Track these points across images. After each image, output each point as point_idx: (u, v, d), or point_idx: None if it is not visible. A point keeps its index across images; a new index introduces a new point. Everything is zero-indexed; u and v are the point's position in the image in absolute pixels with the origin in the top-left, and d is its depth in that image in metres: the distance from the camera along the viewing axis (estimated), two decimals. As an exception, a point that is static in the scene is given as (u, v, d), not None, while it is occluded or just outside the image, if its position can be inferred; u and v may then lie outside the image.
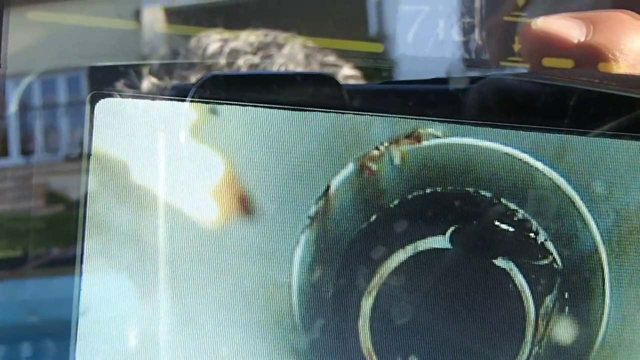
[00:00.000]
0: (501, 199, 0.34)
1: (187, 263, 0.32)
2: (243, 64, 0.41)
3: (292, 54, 0.42)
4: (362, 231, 0.34)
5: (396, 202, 0.34)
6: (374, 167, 0.34)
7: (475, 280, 0.34)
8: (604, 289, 0.35)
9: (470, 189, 0.34)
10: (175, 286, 0.32)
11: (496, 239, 0.34)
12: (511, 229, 0.34)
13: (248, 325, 0.32)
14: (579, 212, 0.35)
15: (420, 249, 0.34)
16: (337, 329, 0.33)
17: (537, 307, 0.34)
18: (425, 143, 0.34)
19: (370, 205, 0.34)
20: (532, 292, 0.34)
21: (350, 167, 0.34)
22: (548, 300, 0.35)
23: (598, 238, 0.35)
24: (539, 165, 0.35)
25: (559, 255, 0.35)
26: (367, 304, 0.34)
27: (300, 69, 0.43)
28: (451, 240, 0.34)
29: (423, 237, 0.34)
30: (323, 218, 0.33)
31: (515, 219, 0.34)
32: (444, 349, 0.34)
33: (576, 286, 0.35)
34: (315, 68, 0.42)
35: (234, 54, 0.40)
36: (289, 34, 0.41)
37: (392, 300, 0.34)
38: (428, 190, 0.34)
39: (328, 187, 0.33)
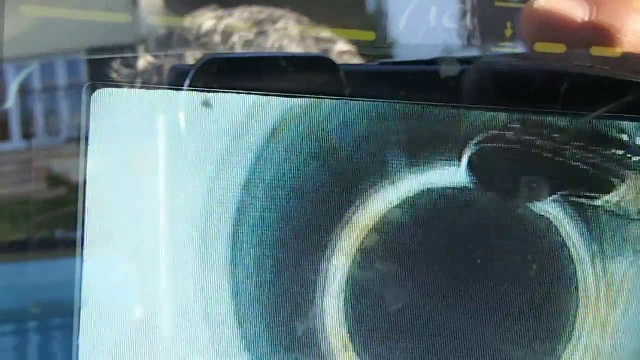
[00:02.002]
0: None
1: (184, 249, 0.32)
2: (238, 41, 0.41)
3: (286, 29, 0.42)
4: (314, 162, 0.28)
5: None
6: None
7: (501, 238, 0.25)
8: None
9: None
10: (174, 269, 0.33)
11: (537, 166, 0.25)
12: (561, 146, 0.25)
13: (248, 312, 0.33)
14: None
15: (419, 188, 0.25)
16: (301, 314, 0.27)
17: (598, 274, 0.24)
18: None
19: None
20: (592, 253, 0.24)
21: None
22: (620, 262, 0.24)
23: None
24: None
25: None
26: (337, 277, 0.26)
27: (295, 45, 0.43)
28: (470, 171, 0.25)
29: (423, 166, 0.26)
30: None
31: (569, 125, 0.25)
32: (450, 340, 0.26)
33: None
34: (310, 43, 0.42)
35: (229, 31, 0.40)
36: (283, 10, 0.41)
37: (373, 274, 0.25)
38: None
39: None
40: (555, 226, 0.24)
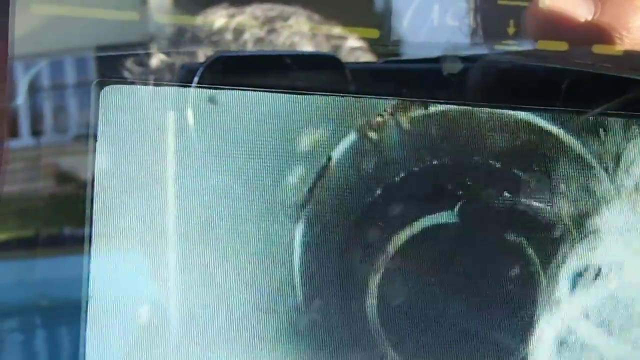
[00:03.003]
0: (512, 169, 0.34)
1: (191, 245, 0.33)
2: (249, 38, 0.42)
3: (297, 26, 0.42)
4: (366, 206, 0.34)
5: (402, 175, 0.34)
6: (376, 136, 0.34)
7: (485, 256, 0.34)
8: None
9: (479, 159, 0.34)
10: (180, 265, 0.33)
11: (506, 212, 0.34)
12: (522, 201, 0.34)
13: (252, 306, 0.33)
14: (596, 178, 0.35)
15: (428, 224, 0.34)
16: (342, 309, 0.33)
17: (552, 282, 0.34)
18: (432, 109, 0.34)
19: (374, 179, 0.34)
20: (543, 266, 0.34)
21: (352, 137, 0.34)
22: (562, 273, 0.34)
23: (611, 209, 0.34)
24: (554, 129, 0.35)
25: (573, 225, 0.34)
26: (373, 282, 0.34)
27: (306, 42, 0.43)
28: (460, 214, 0.34)
29: (430, 212, 0.34)
30: (323, 192, 0.34)
31: (527, 189, 0.34)
32: (452, 326, 0.34)
33: (589, 258, 0.34)
34: (320, 40, 0.42)
35: (240, 28, 0.41)
36: (294, 8, 0.41)
37: (400, 277, 0.34)
38: (435, 162, 0.34)
39: (329, 159, 0.34)
40: (521, 248, 0.34)
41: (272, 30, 0.41)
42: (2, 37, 0.31)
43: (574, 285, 0.34)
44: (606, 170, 0.35)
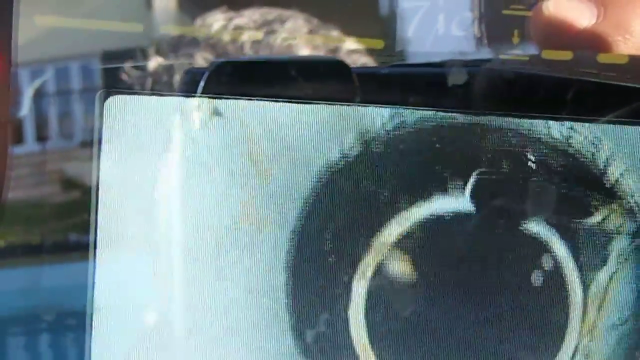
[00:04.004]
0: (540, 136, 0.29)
1: (197, 254, 0.33)
2: (247, 41, 0.42)
3: (295, 29, 0.42)
4: (371, 212, 0.32)
5: (406, 182, 0.30)
6: (381, 145, 0.33)
7: (501, 255, 0.29)
8: None
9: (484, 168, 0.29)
10: (186, 273, 0.33)
11: (532, 197, 0.29)
12: (558, 166, 0.29)
13: (252, 312, 0.33)
14: None
15: (431, 213, 0.30)
16: (326, 321, 0.31)
17: (586, 285, 0.28)
18: (437, 117, 0.33)
19: (379, 187, 0.31)
20: (579, 266, 0.28)
21: (357, 145, 0.33)
22: (601, 275, 0.28)
23: None
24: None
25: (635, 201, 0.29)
26: (360, 289, 0.30)
27: (303, 45, 0.43)
28: (473, 199, 0.29)
29: (432, 195, 0.30)
30: (328, 200, 0.33)
31: (567, 146, 0.29)
32: (459, 347, 0.29)
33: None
34: (318, 42, 0.42)
35: (238, 31, 0.41)
36: (292, 11, 0.41)
37: (391, 285, 0.29)
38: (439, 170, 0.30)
39: (334, 166, 0.33)
40: (547, 245, 0.28)
41: (269, 32, 0.41)
42: (5, 48, 0.31)
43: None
44: None
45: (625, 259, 0.28)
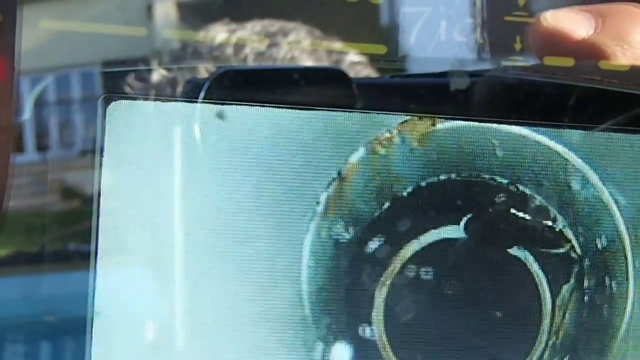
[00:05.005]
0: (518, 186, 0.35)
1: (199, 261, 0.33)
2: (249, 53, 0.42)
3: (298, 41, 0.42)
4: (374, 220, 0.34)
5: (409, 189, 0.34)
6: (383, 151, 0.34)
7: (490, 270, 0.34)
8: (627, 278, 0.35)
9: (486, 176, 0.34)
10: (188, 281, 0.33)
11: (512, 228, 0.35)
12: (527, 217, 0.35)
13: (260, 318, 0.33)
14: (601, 199, 0.35)
15: (434, 239, 0.34)
16: (350, 321, 0.34)
17: (554, 296, 0.34)
18: (439, 126, 0.34)
19: (383, 193, 0.34)
20: (549, 281, 0.34)
21: (361, 152, 0.34)
22: (565, 289, 0.35)
23: (622, 226, 0.35)
24: (560, 148, 0.35)
25: (578, 243, 0.35)
26: (380, 295, 0.34)
27: (306, 57, 0.43)
28: (466, 229, 0.34)
29: (436, 226, 0.34)
30: (333, 205, 0.34)
31: (532, 205, 0.35)
32: (458, 340, 0.34)
33: (596, 275, 0.35)
34: (321, 55, 0.42)
35: (241, 43, 0.41)
36: (295, 24, 0.42)
37: (406, 291, 0.34)
38: (442, 177, 0.34)
39: (339, 174, 0.34)
40: (525, 265, 0.35)
41: (272, 45, 0.41)
42: (9, 53, 0.30)
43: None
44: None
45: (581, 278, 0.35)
